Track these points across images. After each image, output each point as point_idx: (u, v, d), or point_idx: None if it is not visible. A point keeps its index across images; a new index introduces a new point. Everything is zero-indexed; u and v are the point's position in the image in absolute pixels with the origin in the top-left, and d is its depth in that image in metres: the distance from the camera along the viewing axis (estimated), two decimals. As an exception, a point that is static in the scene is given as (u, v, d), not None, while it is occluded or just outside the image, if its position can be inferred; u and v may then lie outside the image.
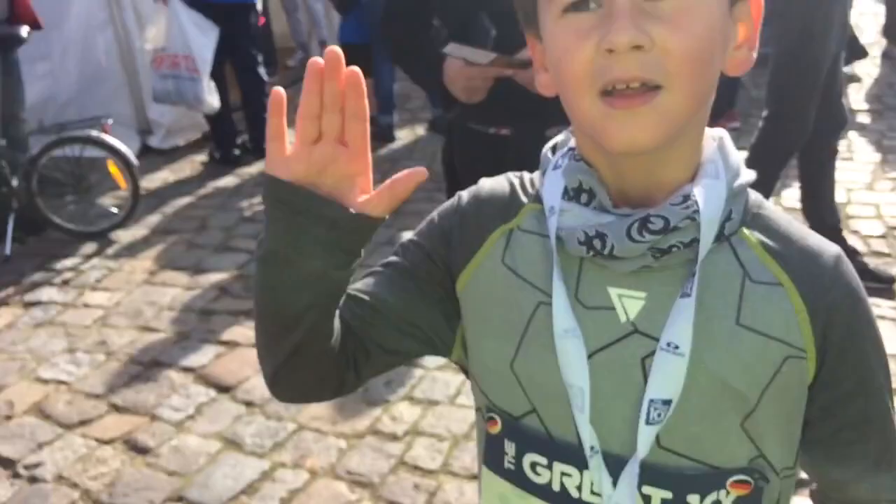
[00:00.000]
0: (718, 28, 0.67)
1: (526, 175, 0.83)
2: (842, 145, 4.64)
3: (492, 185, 0.84)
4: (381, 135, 5.39)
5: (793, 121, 3.10)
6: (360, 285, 0.83)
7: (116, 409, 2.82)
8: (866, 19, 7.76)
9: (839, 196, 3.97)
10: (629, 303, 0.71)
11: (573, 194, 0.73)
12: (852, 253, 3.22)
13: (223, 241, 4.20)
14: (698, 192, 0.69)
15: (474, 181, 0.85)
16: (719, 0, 0.67)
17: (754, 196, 0.75)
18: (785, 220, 0.75)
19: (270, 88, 0.74)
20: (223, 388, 2.87)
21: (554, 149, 0.80)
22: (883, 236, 3.58)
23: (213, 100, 4.89)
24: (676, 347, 0.67)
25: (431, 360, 2.81)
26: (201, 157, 5.45)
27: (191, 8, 4.78)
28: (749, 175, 0.73)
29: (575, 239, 0.71)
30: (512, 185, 0.82)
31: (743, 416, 0.70)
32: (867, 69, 6.23)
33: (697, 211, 0.68)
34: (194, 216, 4.56)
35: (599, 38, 0.65)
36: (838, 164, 4.36)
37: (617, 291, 0.71)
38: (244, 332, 3.19)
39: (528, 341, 0.73)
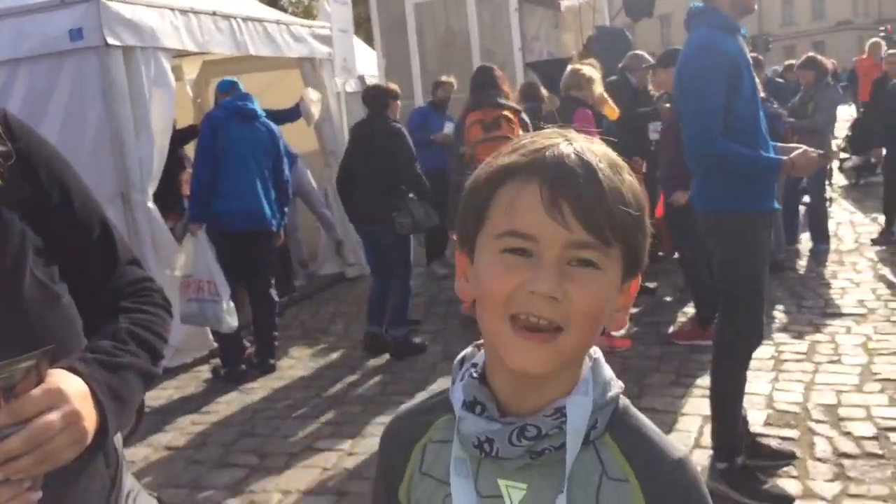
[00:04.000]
0: (611, 296, 0.87)
1: (438, 394, 0.99)
2: (828, 348, 4.91)
3: (405, 412, 1.02)
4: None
5: (745, 328, 3.25)
6: None
7: None
8: (844, 228, 8.34)
9: (829, 398, 4.20)
10: (514, 492, 0.88)
11: (469, 406, 0.90)
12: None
13: (222, 457, 4.15)
14: (568, 406, 0.86)
15: None
16: (614, 278, 0.86)
17: (622, 403, 0.92)
18: (643, 426, 0.92)
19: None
20: None
21: (463, 361, 0.96)
22: (875, 437, 3.71)
23: (231, 320, 5.10)
24: None
25: None
26: (206, 374, 5.47)
27: (216, 234, 5.15)
28: (615, 389, 0.91)
29: (470, 443, 0.88)
30: (423, 408, 1.00)
31: None
32: (849, 275, 6.62)
33: (565, 421, 0.85)
34: (195, 432, 4.51)
35: (526, 280, 0.82)
36: (827, 366, 4.65)
37: (504, 482, 0.88)
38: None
39: None
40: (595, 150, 0.87)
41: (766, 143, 3.20)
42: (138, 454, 4.21)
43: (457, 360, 0.98)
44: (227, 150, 5.13)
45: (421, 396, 1.05)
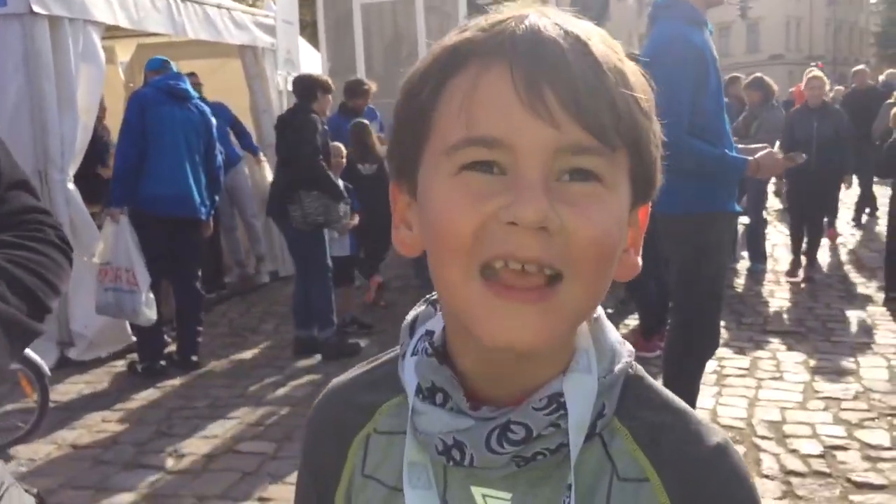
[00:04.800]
0: (623, 226, 0.62)
1: (385, 362, 0.74)
2: (770, 365, 4.84)
3: (338, 389, 0.75)
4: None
5: (702, 333, 3.16)
6: None
7: None
8: (780, 249, 8.35)
9: (774, 414, 4.11)
10: (493, 503, 0.65)
11: (427, 394, 0.65)
12: None
13: (133, 458, 3.82)
14: (567, 392, 0.62)
15: None
16: (624, 198, 0.61)
17: (633, 371, 0.67)
18: (666, 402, 0.67)
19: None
20: None
21: (414, 325, 0.70)
22: (821, 456, 3.61)
23: (150, 313, 4.77)
24: None
25: None
26: (122, 370, 5.10)
27: (141, 220, 4.79)
28: (625, 357, 0.66)
29: (433, 447, 0.63)
30: (362, 384, 0.74)
31: None
32: (787, 294, 6.61)
33: (564, 415, 0.61)
34: (105, 430, 4.16)
35: (500, 207, 0.56)
36: (770, 382, 4.57)
37: (481, 491, 0.65)
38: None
39: None
40: (579, 23, 0.61)
41: (730, 142, 3.10)
42: (40, 451, 3.88)
43: (406, 322, 0.71)
44: (156, 131, 4.80)
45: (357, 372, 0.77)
